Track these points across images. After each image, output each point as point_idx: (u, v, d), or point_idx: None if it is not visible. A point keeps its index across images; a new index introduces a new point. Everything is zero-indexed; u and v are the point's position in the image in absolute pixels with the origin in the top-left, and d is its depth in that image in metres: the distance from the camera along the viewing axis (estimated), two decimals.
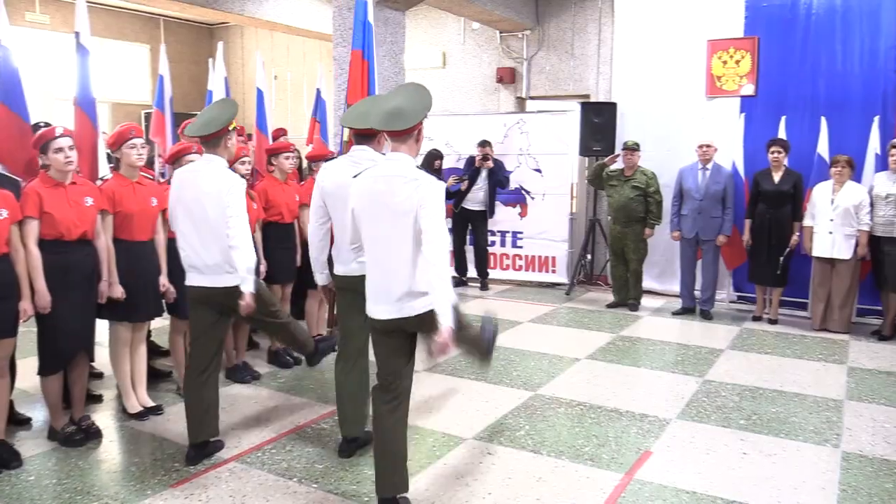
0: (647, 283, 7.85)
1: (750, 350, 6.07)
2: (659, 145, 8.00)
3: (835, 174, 6.44)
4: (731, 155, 7.28)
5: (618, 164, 7.47)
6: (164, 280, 4.40)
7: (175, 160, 4.52)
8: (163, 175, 5.77)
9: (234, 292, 3.55)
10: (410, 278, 2.98)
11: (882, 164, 6.50)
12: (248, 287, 3.52)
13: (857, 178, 6.54)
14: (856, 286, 6.56)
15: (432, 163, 7.84)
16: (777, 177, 6.73)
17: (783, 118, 7.19)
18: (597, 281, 8.71)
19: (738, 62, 7.67)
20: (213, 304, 3.72)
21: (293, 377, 5.25)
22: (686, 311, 7.31)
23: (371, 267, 3.11)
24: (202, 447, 3.83)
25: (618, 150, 7.67)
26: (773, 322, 6.93)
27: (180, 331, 4.71)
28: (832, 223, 6.41)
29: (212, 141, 3.66)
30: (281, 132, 7.55)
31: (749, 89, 7.66)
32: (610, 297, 7.78)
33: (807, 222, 6.64)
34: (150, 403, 4.47)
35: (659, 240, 7.67)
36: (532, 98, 9.42)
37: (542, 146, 8.43)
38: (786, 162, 6.76)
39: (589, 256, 8.58)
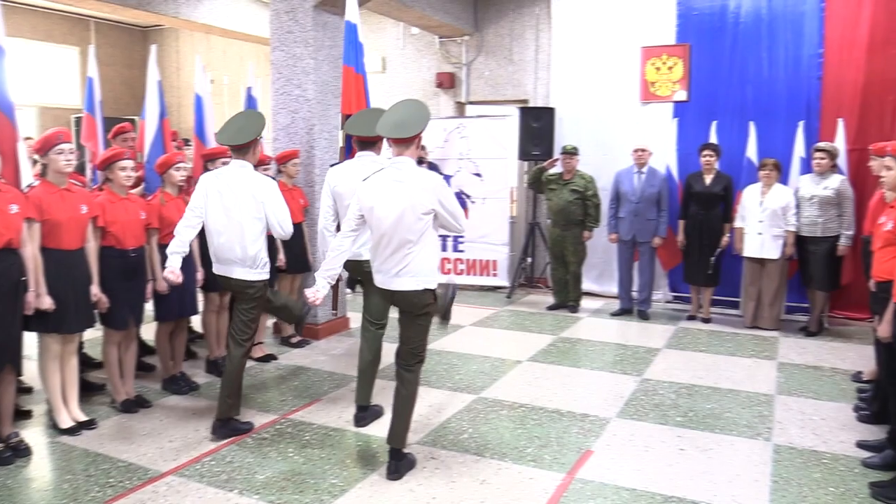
0: (586, 284, 7.95)
1: (685, 348, 6.21)
2: (596, 149, 8.12)
3: (763, 177, 6.63)
4: (665, 158, 7.45)
5: (557, 168, 7.55)
6: (95, 290, 4.27)
7: (106, 166, 4.40)
8: (94, 181, 5.57)
9: (245, 284, 4.11)
10: (412, 258, 3.53)
11: (806, 167, 6.71)
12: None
13: (784, 180, 6.76)
14: (784, 285, 6.77)
15: None
16: (708, 179, 6.90)
17: (714, 123, 7.39)
18: (537, 283, 8.79)
19: (670, 68, 7.85)
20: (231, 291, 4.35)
21: None
22: (624, 312, 7.44)
23: (380, 249, 3.60)
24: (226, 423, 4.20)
25: (556, 154, 7.76)
26: (706, 321, 7.10)
27: (114, 342, 4.57)
28: (761, 224, 6.60)
29: (243, 149, 4.11)
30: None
31: (681, 95, 7.85)
32: (550, 300, 7.86)
33: (737, 223, 6.82)
34: (83, 418, 4.32)
35: (597, 242, 7.79)
36: (472, 103, 9.46)
37: (481, 151, 8.46)
38: (717, 165, 6.94)
39: (529, 259, 8.64)
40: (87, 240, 4.23)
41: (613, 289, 7.84)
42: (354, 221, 3.69)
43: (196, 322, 5.74)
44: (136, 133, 5.79)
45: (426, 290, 3.60)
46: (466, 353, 5.99)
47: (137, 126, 6.17)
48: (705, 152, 6.92)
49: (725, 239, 6.88)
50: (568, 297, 7.64)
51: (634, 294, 7.46)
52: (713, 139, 7.26)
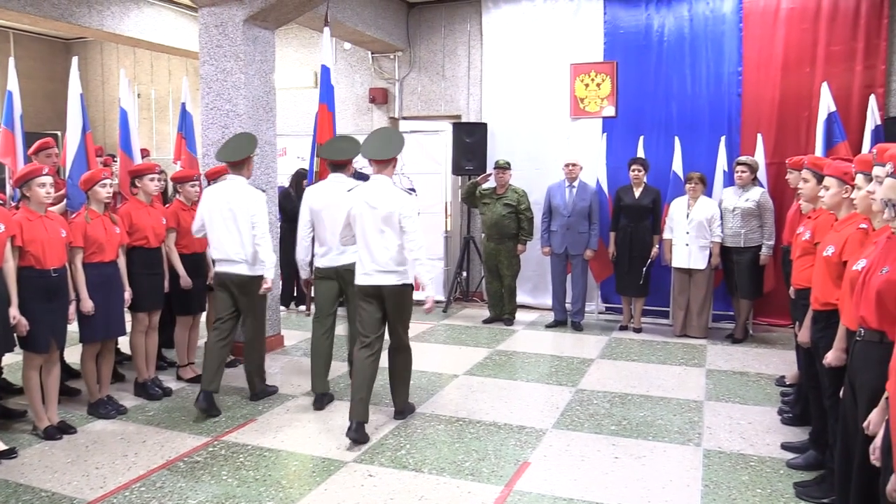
0: (520, 297, 8.01)
1: (618, 358, 6.30)
2: (528, 164, 8.23)
3: (689, 190, 6.83)
4: (596, 172, 7.57)
5: (490, 183, 7.61)
6: (14, 312, 4.08)
7: (24, 183, 4.23)
8: (13, 199, 5.32)
9: (246, 281, 4.88)
10: (390, 259, 4.36)
11: (729, 180, 6.94)
12: (269, 274, 4.88)
13: (709, 193, 6.98)
14: (711, 294, 6.96)
15: (300, 182, 7.68)
16: (637, 192, 7.07)
17: (641, 138, 7.56)
18: (473, 297, 8.82)
19: (598, 85, 8.01)
20: (231, 288, 4.93)
21: (163, 409, 5.00)
22: (558, 324, 7.52)
23: (362, 251, 4.42)
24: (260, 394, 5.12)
25: (489, 169, 7.83)
26: (637, 330, 7.24)
27: (34, 366, 4.35)
28: (688, 236, 6.77)
29: (238, 165, 4.94)
30: (144, 153, 7.20)
31: (610, 111, 8.01)
32: (486, 313, 7.89)
33: (666, 235, 6.99)
34: (2, 447, 4.10)
35: (531, 255, 7.86)
36: (405, 118, 9.48)
37: (415, 165, 8.45)
38: (645, 179, 7.12)
39: (464, 273, 8.66)
40: (4, 260, 4.05)
41: (547, 301, 7.92)
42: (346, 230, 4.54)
43: (124, 343, 5.54)
44: (59, 149, 5.59)
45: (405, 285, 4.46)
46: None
47: (61, 141, 5.94)
48: (634, 166, 7.08)
49: (655, 250, 7.04)
50: (503, 311, 7.69)
51: (568, 306, 7.54)
52: (641, 153, 7.42)
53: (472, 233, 8.52)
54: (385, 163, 4.45)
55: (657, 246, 7.04)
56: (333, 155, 5.07)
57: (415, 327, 7.09)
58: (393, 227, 4.36)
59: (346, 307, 5.12)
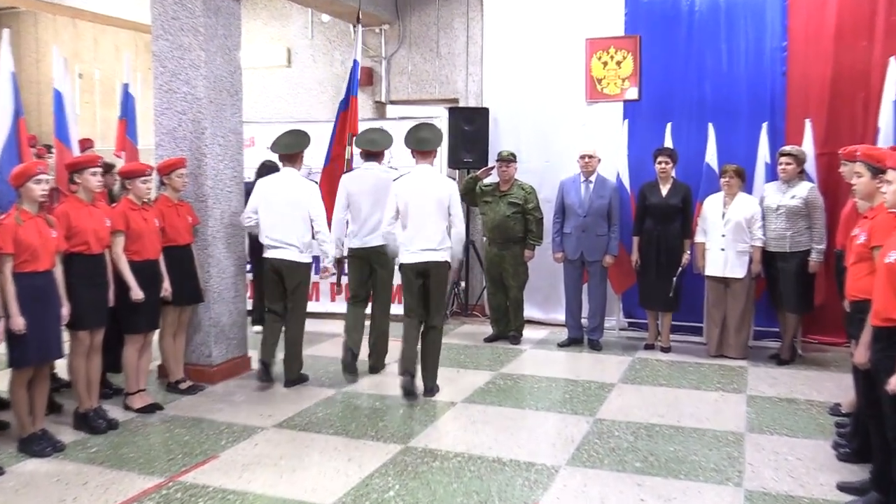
0: (529, 311, 7.96)
1: (643, 382, 6.27)
2: (537, 156, 8.20)
3: (725, 185, 6.78)
4: (616, 165, 7.53)
5: (492, 178, 7.57)
6: None
7: None
8: None
9: (296, 266, 6.10)
10: (439, 239, 5.74)
11: (772, 174, 6.90)
12: (328, 262, 6.27)
13: (749, 189, 6.95)
14: (751, 307, 6.91)
15: (265, 175, 7.60)
16: (665, 189, 7.02)
17: (669, 124, 7.50)
18: (473, 312, 8.78)
19: (619, 63, 7.99)
20: (281, 272, 6.10)
21: (108, 445, 4.94)
22: (573, 342, 7.47)
23: (411, 232, 5.75)
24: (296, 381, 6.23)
25: (492, 161, 7.78)
26: (666, 350, 7.19)
27: None
28: (724, 239, 6.72)
29: (291, 158, 6.20)
30: (86, 144, 7.23)
31: (632, 93, 7.97)
32: (488, 330, 7.85)
33: (698, 238, 6.94)
34: None
35: (541, 262, 7.76)
36: (393, 102, 9.44)
37: (405, 158, 8.24)
38: (673, 173, 7.07)
39: (463, 284, 8.60)
40: None
41: (560, 316, 7.88)
42: (393, 214, 5.81)
43: (61, 367, 5.48)
44: None
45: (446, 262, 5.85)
46: (391, 395, 5.92)
47: None
48: (660, 158, 7.03)
49: (685, 256, 6.98)
50: (508, 327, 7.65)
51: (584, 321, 7.50)
52: (668, 143, 7.36)
53: (472, 236, 8.48)
54: (428, 153, 5.90)
55: (688, 251, 6.99)
56: (369, 146, 6.39)
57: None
58: (442, 211, 5.71)
59: (374, 285, 6.49)
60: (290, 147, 6.20)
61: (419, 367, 5.88)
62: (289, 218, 6.03)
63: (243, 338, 6.66)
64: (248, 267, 7.24)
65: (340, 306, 7.80)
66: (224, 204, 6.38)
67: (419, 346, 5.88)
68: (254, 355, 6.75)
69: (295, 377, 6.25)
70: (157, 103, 6.33)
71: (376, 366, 6.62)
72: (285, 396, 5.94)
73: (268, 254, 6.12)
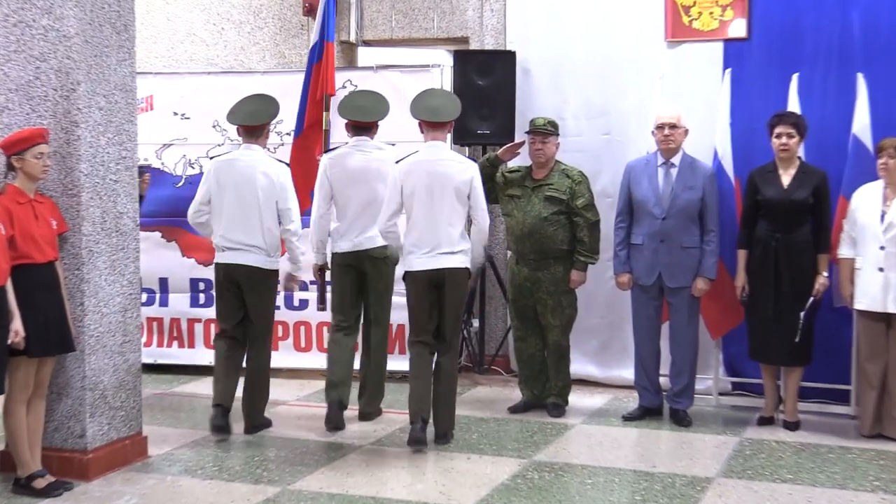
0: (577, 365, 7.15)
1: (757, 477, 5.52)
2: (589, 126, 7.51)
3: (882, 170, 5.96)
4: (713, 140, 6.78)
5: (520, 160, 6.81)
6: None
7: None
8: None
9: (256, 272, 5.89)
10: (457, 238, 5.68)
11: None
12: (297, 267, 6.17)
13: None
14: None
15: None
16: (787, 177, 6.21)
17: (795, 77, 6.66)
18: (491, 366, 7.94)
19: None
20: (236, 279, 5.96)
21: None
22: (647, 414, 6.68)
23: (420, 230, 5.68)
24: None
25: (520, 134, 7.05)
26: (792, 426, 6.37)
27: None
28: (884, 254, 5.92)
29: (253, 131, 6.03)
30: None
31: (738, 28, 7.12)
32: (516, 395, 7.00)
33: (843, 252, 6.17)
34: None
35: (596, 289, 7.10)
36: (367, 43, 8.77)
37: (385, 127, 7.28)
38: (801, 152, 6.25)
39: (476, 322, 7.77)
40: None
41: (627, 373, 7.13)
42: (395, 207, 5.68)
43: None
44: None
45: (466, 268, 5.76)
46: (373, 497, 5.16)
47: None
48: (780, 129, 6.15)
49: (821, 281, 6.09)
50: (546, 391, 6.78)
51: (664, 381, 6.70)
52: (794, 106, 6.51)
53: (491, 249, 7.65)
54: (442, 125, 5.74)
55: (825, 273, 6.15)
56: (357, 115, 6.11)
57: (390, 420, 6.87)
58: (461, 200, 5.58)
59: (366, 304, 6.25)
60: (254, 117, 6.08)
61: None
62: (251, 210, 5.90)
63: (136, 407, 5.84)
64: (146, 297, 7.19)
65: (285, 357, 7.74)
66: (107, 200, 5.66)
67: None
68: (154, 431, 6.22)
69: (259, 422, 6.16)
70: (4, 43, 5.59)
71: (369, 411, 6.39)
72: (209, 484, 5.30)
73: (221, 258, 6.00)
